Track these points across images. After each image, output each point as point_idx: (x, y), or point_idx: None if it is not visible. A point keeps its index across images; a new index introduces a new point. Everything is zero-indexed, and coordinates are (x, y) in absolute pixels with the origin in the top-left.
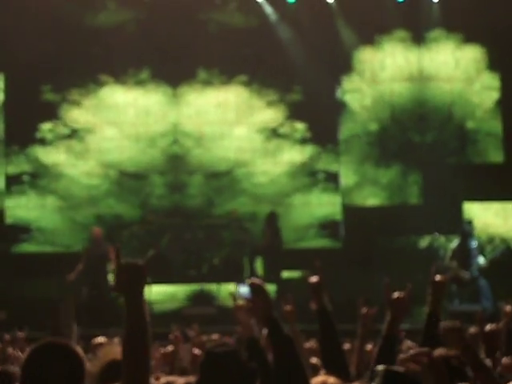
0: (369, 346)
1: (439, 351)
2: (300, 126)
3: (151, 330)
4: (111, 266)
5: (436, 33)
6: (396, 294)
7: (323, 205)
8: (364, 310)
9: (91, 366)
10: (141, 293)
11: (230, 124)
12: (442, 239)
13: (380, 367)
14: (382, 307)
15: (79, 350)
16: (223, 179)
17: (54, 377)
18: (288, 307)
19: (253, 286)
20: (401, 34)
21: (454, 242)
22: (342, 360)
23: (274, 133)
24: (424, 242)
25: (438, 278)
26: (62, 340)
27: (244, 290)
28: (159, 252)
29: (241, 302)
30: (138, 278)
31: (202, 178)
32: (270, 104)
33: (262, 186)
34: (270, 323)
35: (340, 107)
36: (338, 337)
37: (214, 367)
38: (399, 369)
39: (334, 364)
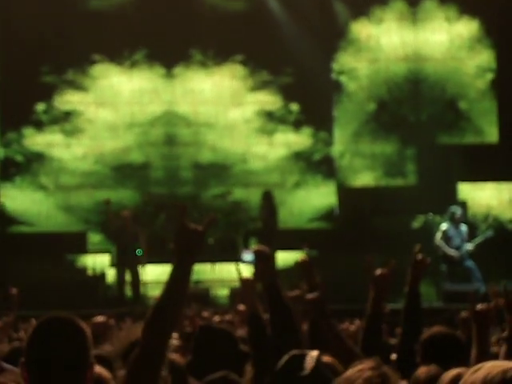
0: (352, 326)
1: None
2: (294, 108)
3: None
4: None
5: (431, 5)
6: (379, 271)
7: (319, 187)
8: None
9: (115, 345)
10: (194, 259)
11: (224, 105)
12: (436, 219)
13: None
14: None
15: (84, 324)
16: (217, 163)
17: (59, 352)
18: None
19: (258, 253)
20: (397, 5)
21: (445, 224)
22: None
23: (268, 115)
24: (418, 222)
25: (419, 257)
26: (68, 315)
27: (249, 256)
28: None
29: (247, 277)
30: (197, 242)
31: (197, 161)
32: (264, 85)
33: (257, 169)
34: (271, 289)
35: (335, 87)
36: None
37: (207, 343)
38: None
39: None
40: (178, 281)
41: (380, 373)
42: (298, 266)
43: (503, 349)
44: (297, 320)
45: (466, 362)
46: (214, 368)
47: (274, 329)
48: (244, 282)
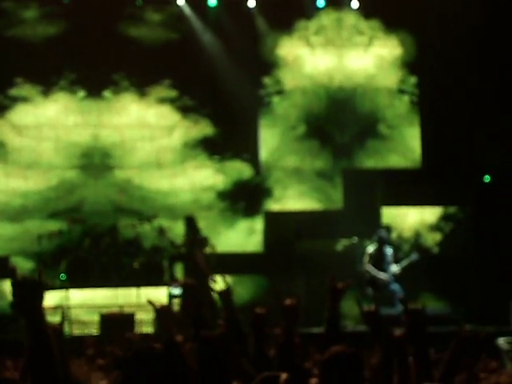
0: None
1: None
2: (222, 134)
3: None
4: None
5: (355, 22)
6: (288, 301)
7: (244, 211)
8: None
9: None
10: (37, 311)
11: (150, 131)
12: (362, 243)
13: None
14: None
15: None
16: (142, 190)
17: None
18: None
19: (185, 286)
20: (321, 22)
21: (371, 247)
22: None
23: (195, 143)
24: (342, 245)
25: (338, 285)
26: None
27: (176, 290)
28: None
29: (162, 305)
30: (34, 295)
31: (122, 187)
32: (191, 112)
33: (182, 200)
34: (198, 322)
35: (262, 111)
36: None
37: (138, 367)
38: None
39: None
40: (31, 335)
41: None
42: (218, 295)
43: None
44: (225, 351)
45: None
46: None
47: (200, 361)
48: (158, 310)
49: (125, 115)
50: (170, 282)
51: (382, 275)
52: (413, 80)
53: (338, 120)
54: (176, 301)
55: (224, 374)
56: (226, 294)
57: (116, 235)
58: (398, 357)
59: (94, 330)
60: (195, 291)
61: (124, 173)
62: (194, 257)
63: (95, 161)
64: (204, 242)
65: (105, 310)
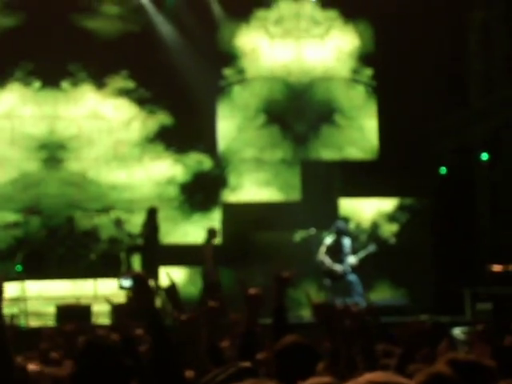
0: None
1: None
2: (182, 125)
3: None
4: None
5: (313, 12)
6: (252, 291)
7: (202, 204)
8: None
9: None
10: None
11: (107, 123)
12: (319, 234)
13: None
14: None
15: None
16: (99, 183)
17: None
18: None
19: (135, 277)
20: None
21: (328, 238)
22: None
23: (154, 135)
24: (299, 236)
25: (283, 274)
26: None
27: (127, 282)
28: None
29: (119, 301)
30: None
31: (79, 180)
32: (149, 103)
33: (140, 192)
34: (149, 314)
35: (222, 102)
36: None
37: (92, 358)
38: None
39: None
40: None
41: None
42: (165, 290)
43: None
44: (176, 343)
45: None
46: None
47: (154, 352)
48: (116, 308)
49: (82, 107)
50: (120, 274)
51: (336, 267)
52: (370, 71)
53: (297, 110)
54: (127, 292)
55: (177, 366)
56: (171, 290)
57: (72, 227)
58: (345, 347)
59: (50, 322)
60: (145, 283)
61: (81, 165)
62: (152, 248)
63: (51, 153)
64: (213, 233)
65: (61, 302)
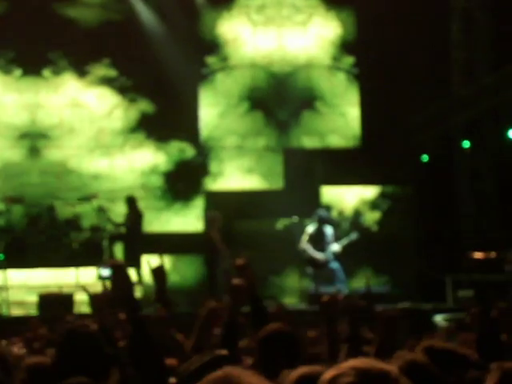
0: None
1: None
2: (161, 116)
3: None
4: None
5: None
6: (236, 281)
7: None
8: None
9: None
10: None
11: (89, 112)
12: (300, 222)
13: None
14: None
15: None
16: (81, 173)
17: None
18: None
19: (114, 266)
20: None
21: (311, 227)
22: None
23: (137, 123)
24: (281, 224)
25: (238, 261)
26: None
27: (105, 272)
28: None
29: (96, 290)
30: None
31: (60, 169)
32: (129, 91)
33: (122, 182)
34: (128, 303)
35: (203, 89)
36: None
37: (72, 346)
38: None
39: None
40: None
41: None
42: (152, 272)
43: (344, 350)
44: (153, 333)
45: (301, 361)
46: (78, 371)
47: (132, 341)
48: (93, 297)
49: (63, 95)
50: (100, 263)
51: (318, 255)
52: (352, 59)
53: (280, 98)
54: (106, 282)
55: (156, 354)
56: (158, 272)
57: (53, 215)
58: (330, 334)
59: (32, 311)
60: (124, 272)
61: (62, 154)
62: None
63: (33, 142)
64: (217, 218)
65: (43, 291)
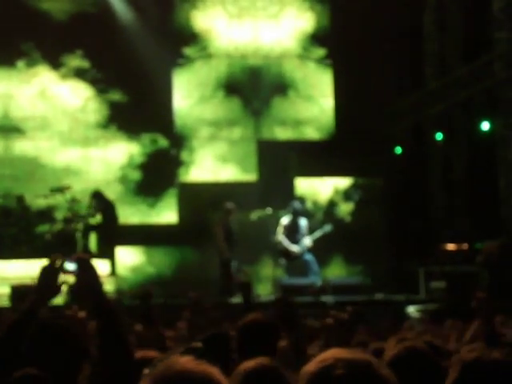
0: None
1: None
2: (135, 107)
3: None
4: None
5: None
6: (243, 278)
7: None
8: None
9: None
10: None
11: (62, 104)
12: (275, 214)
13: None
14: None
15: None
16: (53, 161)
17: None
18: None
19: (79, 261)
20: None
21: (285, 218)
22: None
23: (106, 116)
24: (255, 216)
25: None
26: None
27: (71, 266)
28: None
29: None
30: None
31: (33, 162)
32: (102, 83)
33: (94, 172)
34: (95, 297)
35: (177, 79)
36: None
37: (45, 338)
38: None
39: None
40: None
41: None
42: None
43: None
44: (124, 324)
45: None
46: (46, 364)
47: (101, 336)
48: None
49: (36, 87)
50: (64, 257)
51: (293, 247)
52: (325, 50)
53: (254, 89)
54: (69, 276)
55: (126, 350)
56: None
57: (25, 206)
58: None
59: (4, 302)
60: (90, 265)
61: (35, 146)
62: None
63: (6, 133)
64: (226, 211)
65: (16, 282)
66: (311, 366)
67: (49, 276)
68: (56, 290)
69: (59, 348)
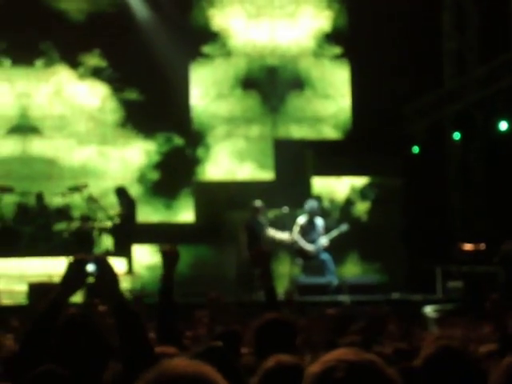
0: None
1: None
2: (153, 106)
3: None
4: None
5: None
6: (165, 247)
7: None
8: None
9: None
10: None
11: (80, 103)
12: (291, 213)
13: None
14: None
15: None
16: (72, 164)
17: None
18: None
19: (98, 262)
20: None
21: (302, 218)
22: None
23: (124, 115)
24: (272, 215)
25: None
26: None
27: (90, 266)
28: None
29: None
30: None
31: (52, 159)
32: (120, 83)
33: (113, 172)
34: (115, 299)
35: (194, 79)
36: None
37: (71, 335)
38: None
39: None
40: None
41: None
42: (164, 256)
43: None
44: (145, 327)
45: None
46: (71, 362)
47: (123, 337)
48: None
49: (54, 86)
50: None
51: (309, 247)
52: (343, 49)
53: (271, 88)
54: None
55: (147, 347)
56: (171, 257)
57: (43, 204)
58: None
59: (22, 300)
60: (109, 266)
61: (54, 145)
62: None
63: (25, 132)
64: (253, 209)
65: (33, 280)
66: (315, 367)
67: (75, 269)
68: (81, 283)
69: (87, 343)
